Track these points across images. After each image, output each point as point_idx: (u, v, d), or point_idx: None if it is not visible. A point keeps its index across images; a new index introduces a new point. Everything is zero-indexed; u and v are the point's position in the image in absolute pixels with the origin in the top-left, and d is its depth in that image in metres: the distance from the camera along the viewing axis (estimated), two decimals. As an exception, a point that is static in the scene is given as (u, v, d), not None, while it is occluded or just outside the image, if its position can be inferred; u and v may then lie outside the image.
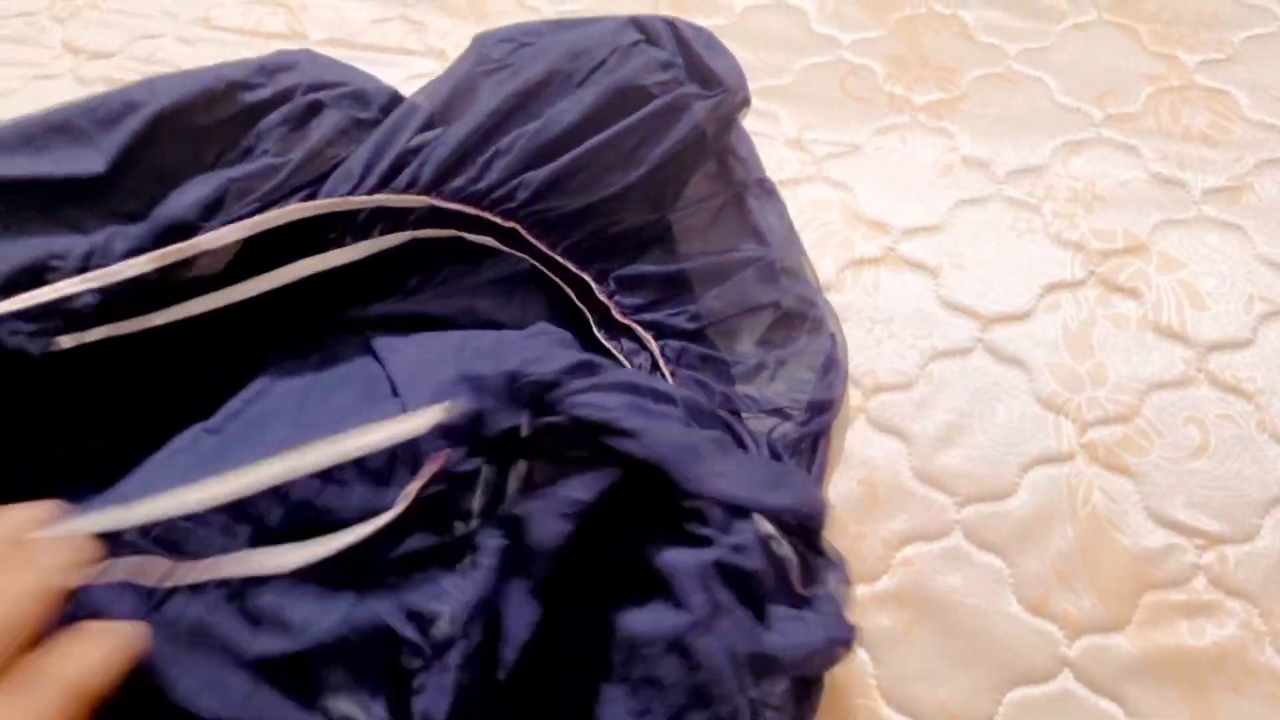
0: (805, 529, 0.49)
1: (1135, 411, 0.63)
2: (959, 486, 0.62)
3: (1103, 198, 0.74)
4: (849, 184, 0.77)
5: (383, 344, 0.58)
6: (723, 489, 0.46)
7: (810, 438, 0.60)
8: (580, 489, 0.45)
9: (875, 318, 0.69)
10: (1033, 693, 0.55)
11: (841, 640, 0.46)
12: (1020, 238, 0.73)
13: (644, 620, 0.44)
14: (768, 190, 0.64)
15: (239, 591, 0.43)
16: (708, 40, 0.61)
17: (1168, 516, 0.59)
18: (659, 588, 0.44)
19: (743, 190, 0.63)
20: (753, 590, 0.45)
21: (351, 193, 0.57)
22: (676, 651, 0.42)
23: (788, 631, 0.45)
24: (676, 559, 0.44)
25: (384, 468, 0.46)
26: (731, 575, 0.44)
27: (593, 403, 0.47)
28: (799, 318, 0.66)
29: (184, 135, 0.58)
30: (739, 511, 0.47)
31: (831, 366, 0.63)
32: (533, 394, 0.47)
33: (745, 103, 0.60)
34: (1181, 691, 0.54)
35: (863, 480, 0.63)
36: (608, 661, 0.44)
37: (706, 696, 0.42)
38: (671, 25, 0.59)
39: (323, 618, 0.43)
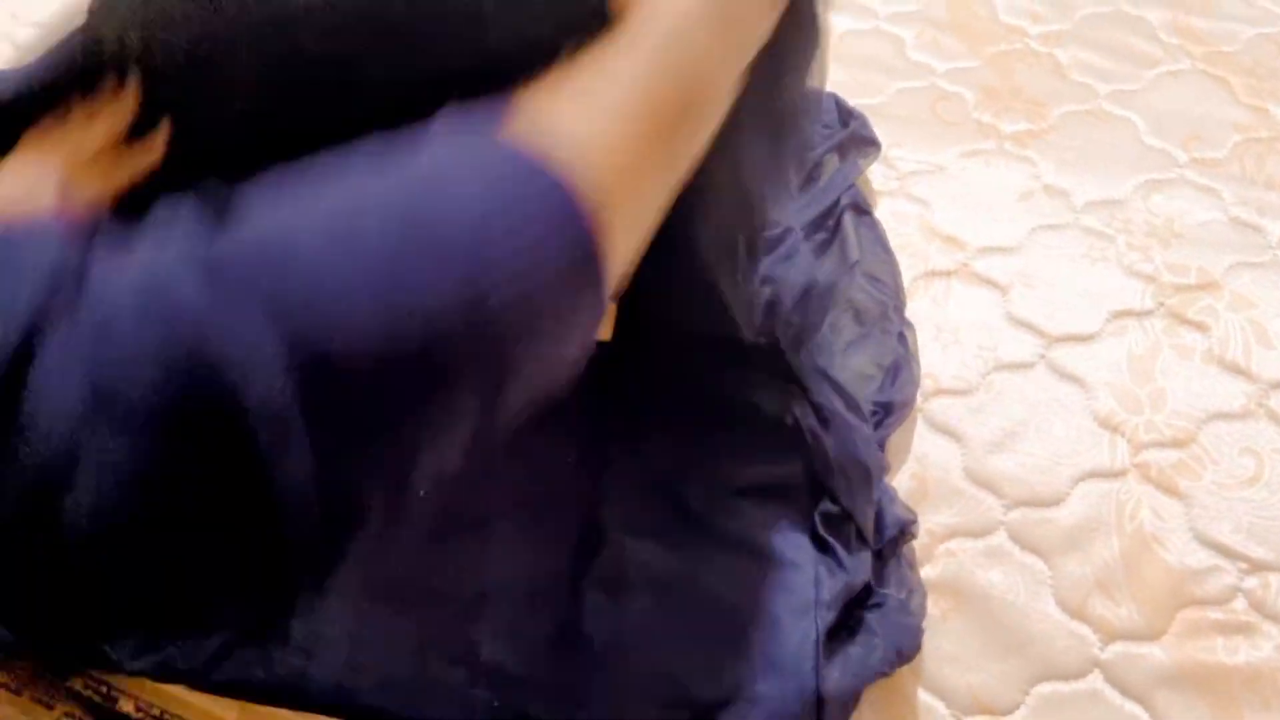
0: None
1: (1191, 438, 0.64)
2: (1008, 490, 0.64)
3: (1180, 235, 0.76)
4: (929, 201, 0.80)
5: None
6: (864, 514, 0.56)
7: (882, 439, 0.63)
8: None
9: (942, 325, 0.72)
10: (1062, 688, 0.56)
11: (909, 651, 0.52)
12: (1093, 265, 0.74)
13: None
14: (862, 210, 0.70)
15: None
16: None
17: (1213, 539, 0.60)
18: None
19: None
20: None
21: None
22: None
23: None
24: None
25: None
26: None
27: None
28: (871, 315, 0.69)
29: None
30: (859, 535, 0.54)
31: (901, 369, 0.66)
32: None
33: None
34: (1210, 704, 0.54)
35: (915, 474, 0.65)
36: None
37: None
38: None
39: None
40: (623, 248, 0.25)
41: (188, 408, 0.23)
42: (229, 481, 0.23)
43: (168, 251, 0.26)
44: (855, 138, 0.80)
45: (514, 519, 0.59)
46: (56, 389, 0.23)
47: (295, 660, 0.57)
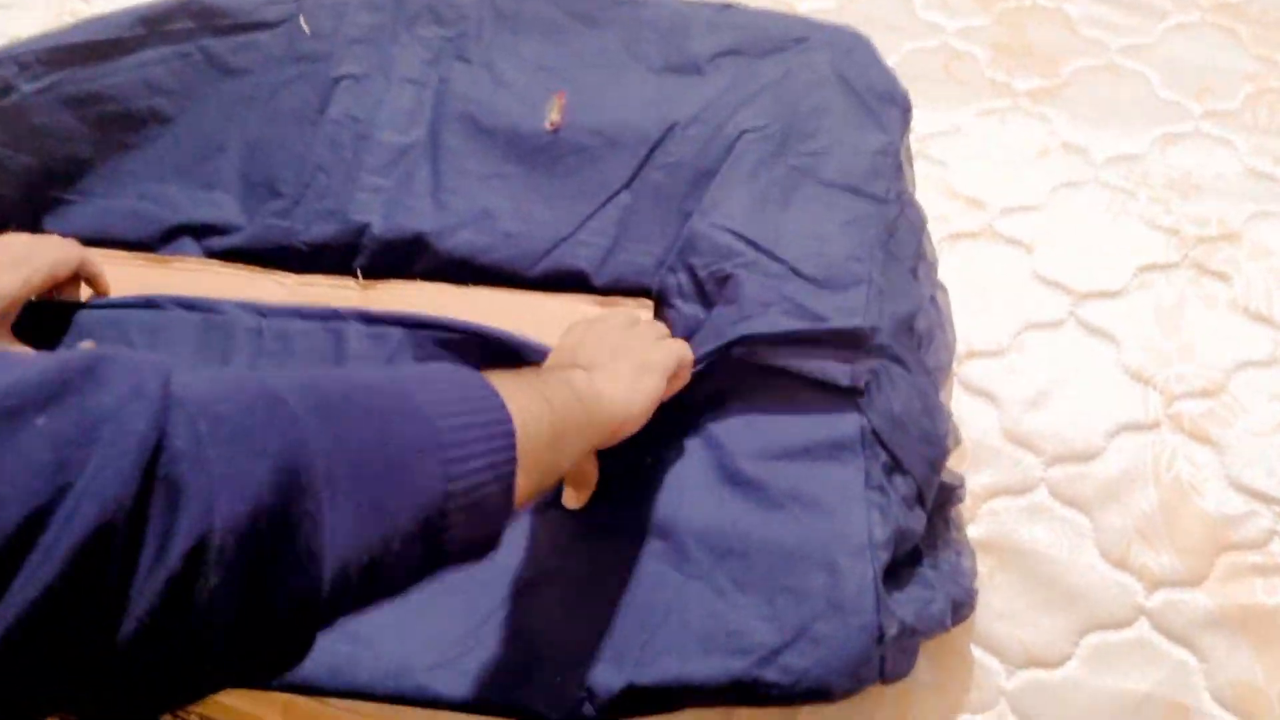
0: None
1: (1221, 387, 0.66)
2: (1046, 447, 0.65)
3: (1199, 187, 0.77)
4: (948, 162, 0.80)
5: None
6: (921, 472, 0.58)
7: None
8: None
9: (970, 288, 0.73)
10: (1111, 637, 0.58)
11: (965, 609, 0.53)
12: (1115, 220, 0.75)
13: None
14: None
15: None
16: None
17: (1248, 485, 0.62)
18: None
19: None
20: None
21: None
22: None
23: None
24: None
25: None
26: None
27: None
28: (901, 281, 0.69)
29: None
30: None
31: (936, 334, 0.67)
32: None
33: None
34: (1253, 643, 0.56)
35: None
36: None
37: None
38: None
39: None
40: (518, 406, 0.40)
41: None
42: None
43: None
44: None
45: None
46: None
47: (343, 647, 0.58)
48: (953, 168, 0.80)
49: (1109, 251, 0.74)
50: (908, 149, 0.72)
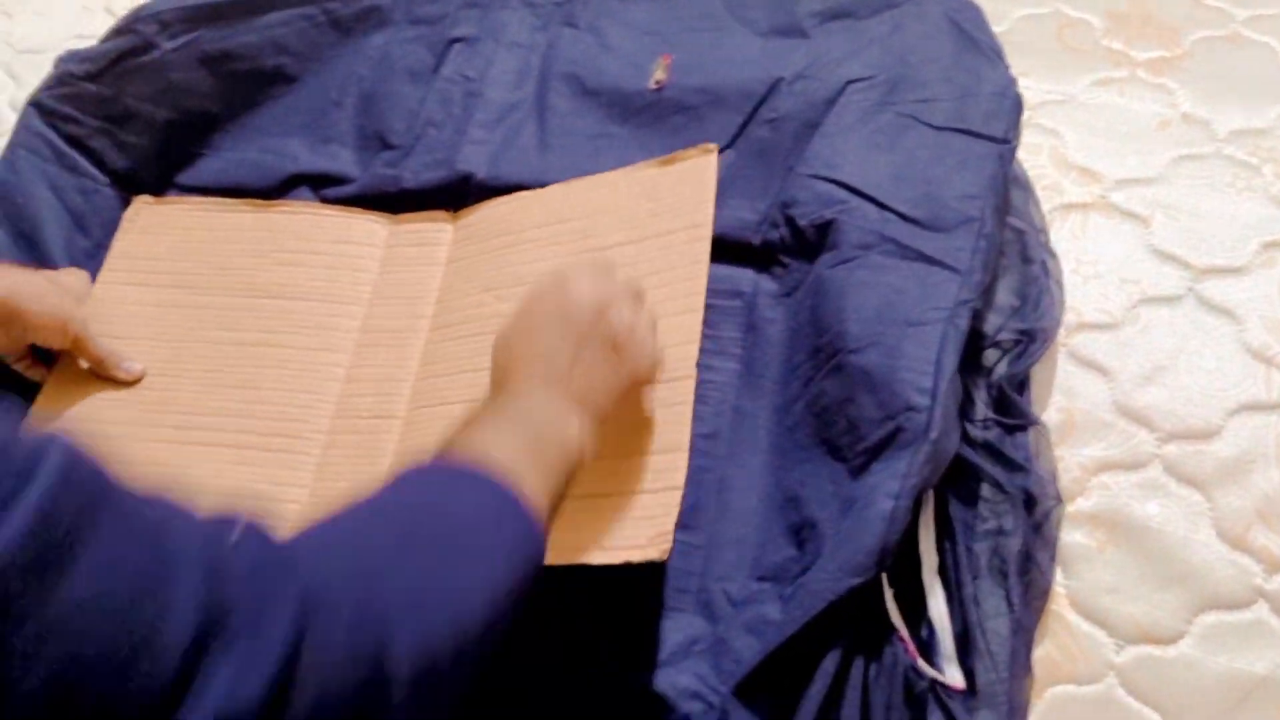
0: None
1: (1350, 369, 0.64)
2: (1160, 423, 0.63)
3: (1328, 163, 0.74)
4: (1060, 132, 0.78)
5: None
6: None
7: (1025, 372, 0.63)
8: None
9: (1082, 259, 0.71)
10: (1226, 618, 0.57)
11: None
12: (1239, 195, 0.73)
13: None
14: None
15: None
16: None
17: (1378, 470, 0.60)
18: None
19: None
20: None
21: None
22: None
23: None
24: None
25: None
26: None
27: None
28: (1008, 246, 0.68)
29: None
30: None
31: (1043, 298, 0.66)
32: None
33: None
34: (1382, 632, 0.55)
35: (1062, 408, 0.65)
36: None
37: None
38: None
39: None
40: (533, 493, 0.41)
41: None
42: None
43: None
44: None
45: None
46: None
47: None
48: (1066, 138, 0.78)
49: (1231, 227, 0.71)
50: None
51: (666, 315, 0.57)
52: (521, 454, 0.42)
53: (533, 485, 0.41)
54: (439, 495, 0.40)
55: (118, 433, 0.63)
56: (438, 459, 0.42)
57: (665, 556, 0.46)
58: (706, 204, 0.62)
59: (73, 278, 0.68)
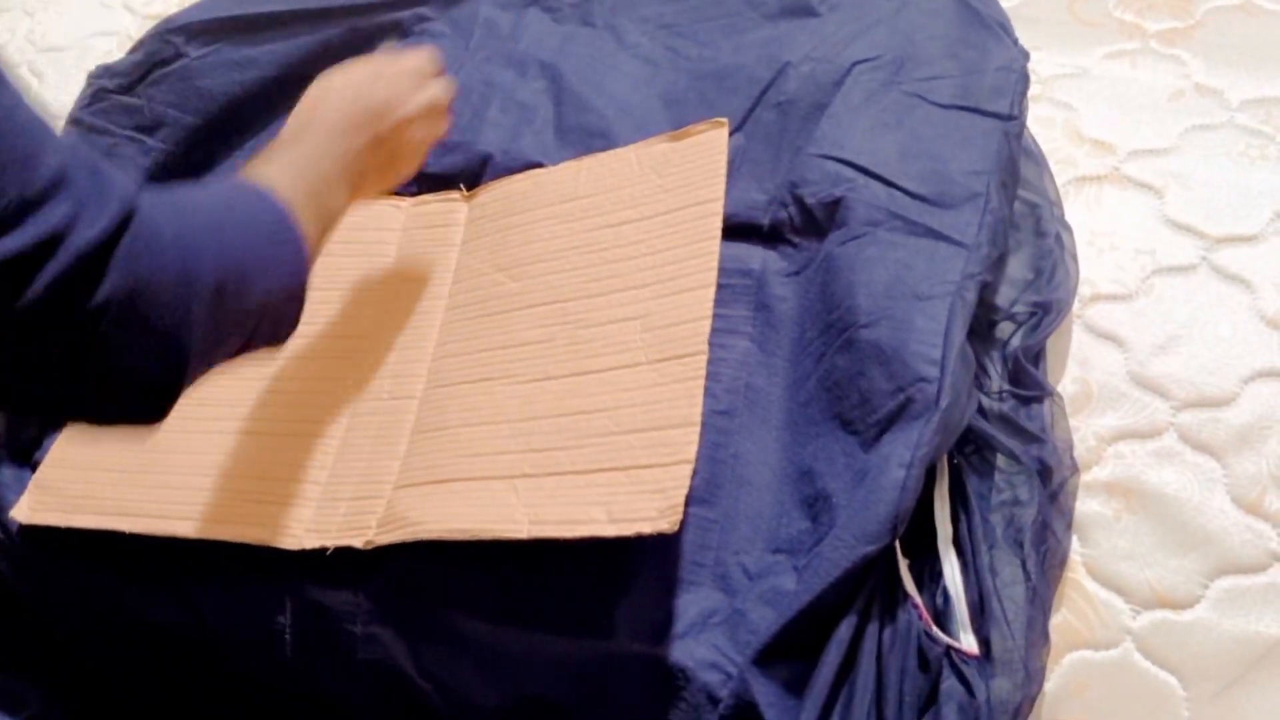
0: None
1: (1367, 334, 0.64)
2: (1176, 391, 0.64)
3: (1344, 129, 0.73)
4: (1074, 105, 0.78)
5: None
6: None
7: (1040, 344, 0.64)
8: None
9: (1096, 231, 0.71)
10: (1242, 582, 0.57)
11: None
12: (1252, 164, 0.73)
13: None
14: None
15: None
16: None
17: (1395, 433, 0.60)
18: None
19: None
20: None
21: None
22: None
23: None
24: None
25: None
26: None
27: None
28: (1022, 220, 0.69)
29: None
30: None
31: (1058, 269, 0.66)
32: None
33: None
34: (1400, 594, 0.55)
35: (1077, 379, 0.65)
36: None
37: None
38: None
39: None
40: (309, 227, 0.52)
41: None
42: None
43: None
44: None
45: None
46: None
47: None
48: (1079, 111, 0.78)
49: (1244, 196, 0.71)
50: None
51: (677, 292, 0.58)
52: (303, 200, 0.52)
53: (307, 224, 0.52)
54: (242, 198, 0.50)
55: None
56: (239, 178, 0.53)
57: (675, 529, 0.47)
58: (718, 179, 0.63)
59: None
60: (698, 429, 0.51)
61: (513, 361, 0.62)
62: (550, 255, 0.66)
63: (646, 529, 0.47)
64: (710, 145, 0.66)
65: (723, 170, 0.63)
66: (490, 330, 0.64)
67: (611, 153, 0.70)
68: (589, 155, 0.70)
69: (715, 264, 0.58)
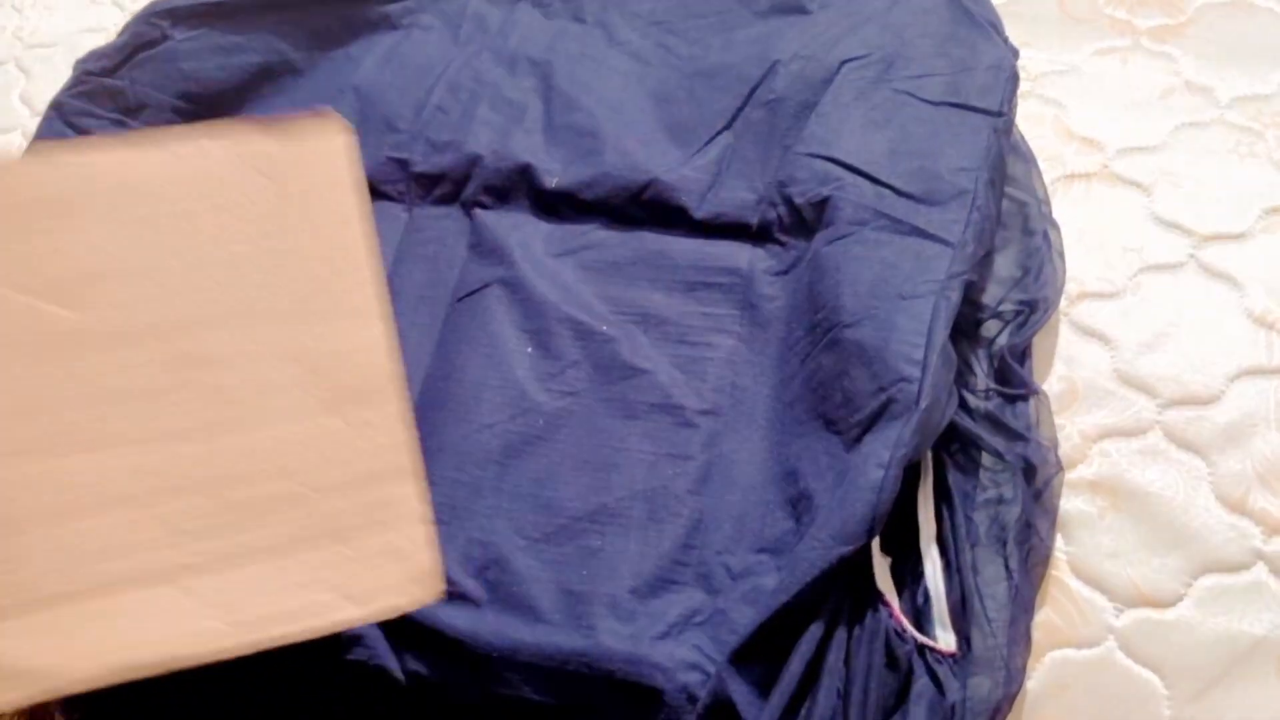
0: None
1: (1353, 332, 0.63)
2: (1161, 390, 0.64)
3: (1334, 126, 0.73)
4: (1063, 102, 0.78)
5: None
6: None
7: (1026, 342, 0.64)
8: None
9: (1084, 229, 0.71)
10: (1225, 580, 0.57)
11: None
12: (1241, 161, 0.73)
13: None
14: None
15: None
16: None
17: (1380, 432, 0.60)
18: None
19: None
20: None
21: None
22: None
23: None
24: None
25: None
26: None
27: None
28: (1010, 218, 0.69)
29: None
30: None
31: (1045, 267, 0.66)
32: None
33: None
34: (1382, 592, 0.55)
35: (1063, 377, 0.65)
36: None
37: None
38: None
39: None
40: None
41: None
42: None
43: None
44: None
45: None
46: None
47: None
48: (1069, 108, 0.78)
49: (1233, 194, 0.71)
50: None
51: (330, 319, 0.49)
52: None
53: None
54: None
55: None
56: None
57: (440, 596, 0.42)
58: (345, 189, 0.51)
59: None
60: (415, 478, 0.44)
61: (107, 420, 0.46)
62: (123, 272, 0.48)
63: (403, 602, 0.42)
64: (328, 152, 0.52)
65: (348, 180, 0.51)
66: (53, 379, 0.46)
67: (180, 139, 0.50)
68: (139, 135, 0.51)
69: (371, 289, 0.48)
